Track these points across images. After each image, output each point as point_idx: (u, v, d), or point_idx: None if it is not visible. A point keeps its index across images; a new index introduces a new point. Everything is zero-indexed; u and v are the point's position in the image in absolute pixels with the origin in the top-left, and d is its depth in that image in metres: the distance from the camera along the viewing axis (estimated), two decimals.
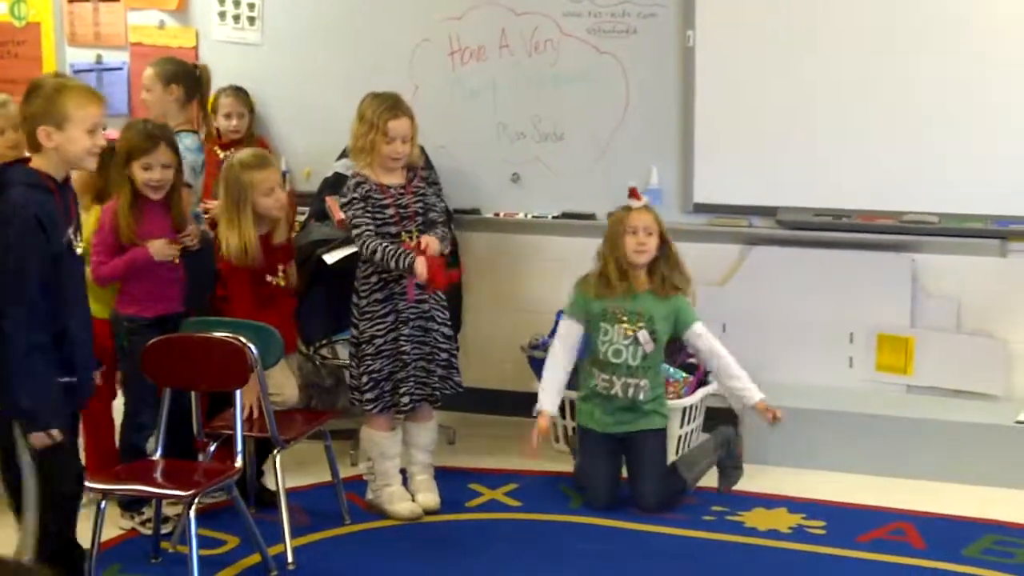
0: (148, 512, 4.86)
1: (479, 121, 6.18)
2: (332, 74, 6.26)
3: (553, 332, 5.76)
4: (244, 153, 5.12)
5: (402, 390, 4.98)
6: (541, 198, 6.18)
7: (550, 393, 5.21)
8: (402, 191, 5.03)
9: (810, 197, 5.76)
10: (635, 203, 5.19)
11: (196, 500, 4.23)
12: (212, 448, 4.77)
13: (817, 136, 5.72)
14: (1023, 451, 5.27)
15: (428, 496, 5.15)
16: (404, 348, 4.98)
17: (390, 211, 4.98)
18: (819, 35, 5.67)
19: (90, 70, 6.80)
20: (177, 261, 4.84)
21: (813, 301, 5.78)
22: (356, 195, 4.96)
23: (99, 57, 6.83)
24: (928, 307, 5.68)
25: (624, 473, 5.24)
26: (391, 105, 4.97)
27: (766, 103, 5.77)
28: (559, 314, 5.88)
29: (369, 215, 4.93)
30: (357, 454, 5.55)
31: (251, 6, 6.53)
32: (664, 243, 5.16)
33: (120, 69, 6.79)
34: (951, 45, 5.49)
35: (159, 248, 4.77)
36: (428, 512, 5.11)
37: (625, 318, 5.13)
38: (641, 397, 5.13)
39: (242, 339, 4.47)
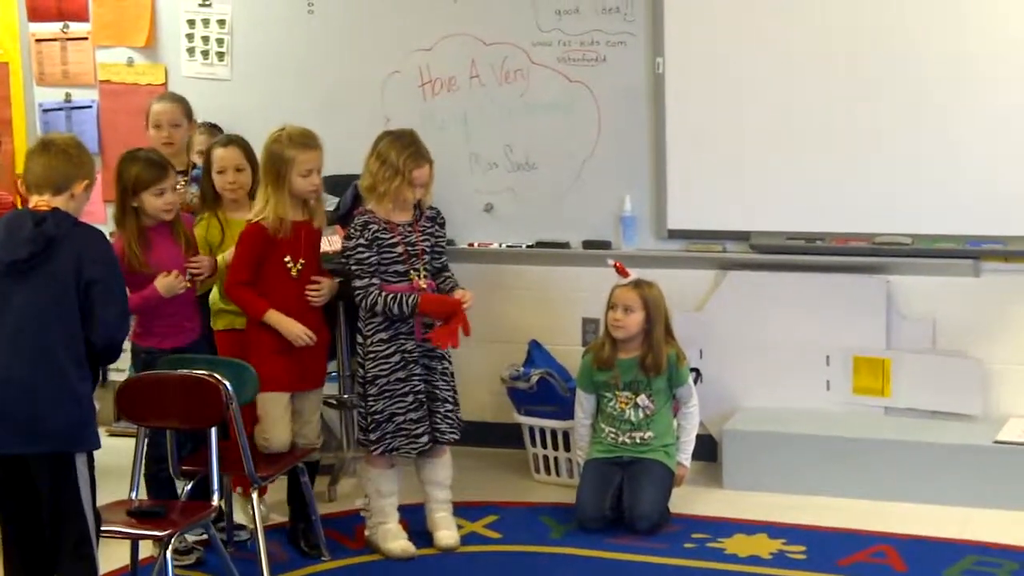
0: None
1: (451, 152, 6.15)
2: (302, 108, 6.22)
3: (528, 361, 5.80)
4: (294, 128, 4.97)
5: (402, 433, 4.94)
6: (515, 228, 6.17)
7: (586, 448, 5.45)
8: (410, 229, 4.99)
9: (783, 221, 5.77)
10: (621, 280, 5.29)
11: (172, 540, 4.18)
12: (188, 487, 4.73)
13: (789, 160, 5.72)
14: (1002, 471, 5.28)
15: (446, 534, 5.08)
16: (419, 387, 4.95)
17: (399, 249, 4.93)
18: (790, 60, 5.68)
19: (59, 109, 6.77)
20: (190, 286, 4.83)
21: (789, 325, 5.78)
22: (363, 240, 4.90)
23: (68, 96, 6.79)
24: (903, 328, 5.68)
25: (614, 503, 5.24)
26: (414, 153, 4.91)
27: (737, 128, 5.77)
28: (532, 343, 5.90)
29: (375, 259, 4.89)
30: (335, 489, 5.53)
31: (220, 41, 6.51)
32: (651, 321, 5.24)
33: (89, 107, 6.76)
34: (921, 69, 5.50)
35: (169, 285, 4.74)
36: (446, 550, 5.04)
37: (620, 390, 5.29)
38: (647, 442, 5.28)
39: (217, 376, 4.44)
